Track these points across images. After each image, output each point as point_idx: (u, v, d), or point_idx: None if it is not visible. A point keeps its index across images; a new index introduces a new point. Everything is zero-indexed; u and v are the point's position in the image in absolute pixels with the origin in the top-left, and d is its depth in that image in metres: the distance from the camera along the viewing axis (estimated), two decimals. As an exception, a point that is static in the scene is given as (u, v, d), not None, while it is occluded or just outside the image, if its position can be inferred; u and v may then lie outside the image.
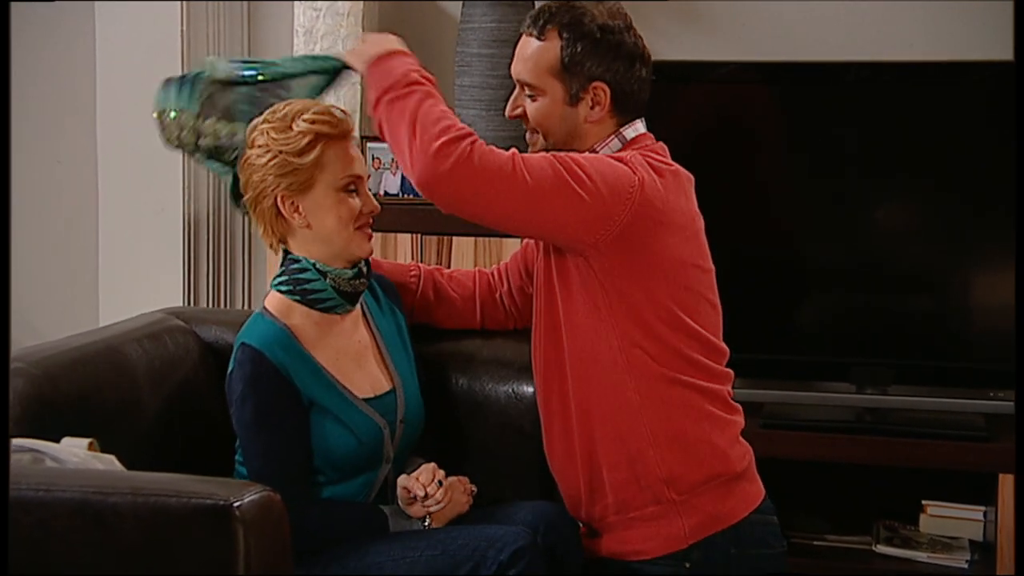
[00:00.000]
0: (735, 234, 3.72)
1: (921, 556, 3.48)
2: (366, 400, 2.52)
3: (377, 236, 3.74)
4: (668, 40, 3.89)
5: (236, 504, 1.85)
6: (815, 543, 3.59)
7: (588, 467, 2.53)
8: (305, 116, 2.47)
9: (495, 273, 2.83)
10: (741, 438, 2.59)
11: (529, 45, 2.53)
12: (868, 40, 3.78)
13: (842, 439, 3.51)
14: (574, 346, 2.49)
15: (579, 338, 2.48)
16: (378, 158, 3.77)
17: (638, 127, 2.57)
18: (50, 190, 4.18)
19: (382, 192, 3.80)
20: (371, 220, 2.54)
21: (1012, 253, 3.44)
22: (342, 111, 2.53)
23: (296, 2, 3.89)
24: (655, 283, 2.45)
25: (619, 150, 2.53)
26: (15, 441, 2.15)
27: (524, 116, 2.56)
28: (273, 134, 2.47)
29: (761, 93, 3.70)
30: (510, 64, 2.59)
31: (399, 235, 3.71)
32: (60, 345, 2.60)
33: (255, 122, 2.52)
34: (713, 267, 2.60)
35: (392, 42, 2.56)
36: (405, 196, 3.77)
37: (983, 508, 3.52)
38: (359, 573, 2.37)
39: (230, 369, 2.48)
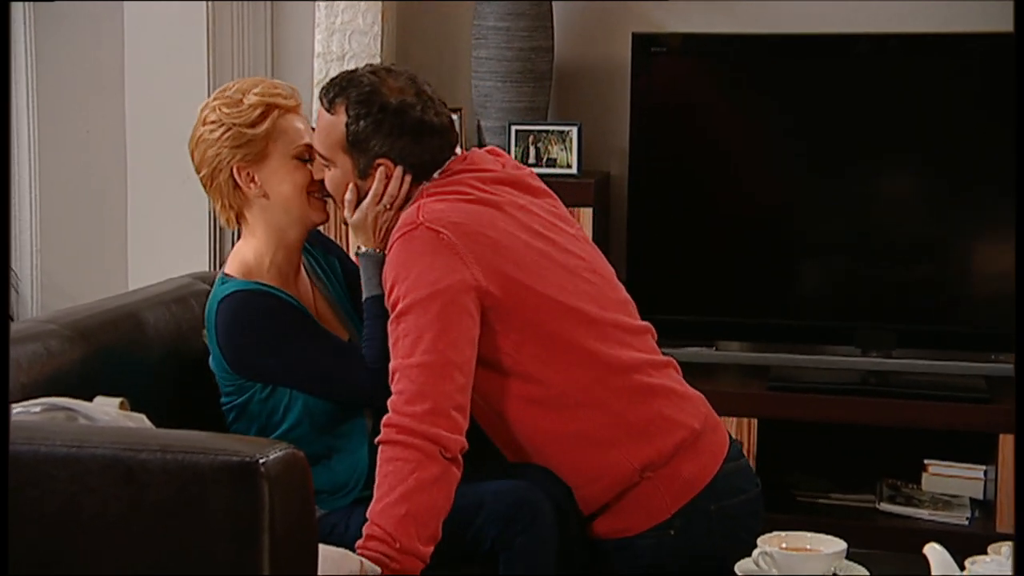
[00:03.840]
0: (743, 203, 3.79)
1: (923, 514, 3.54)
2: None
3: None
4: (673, 13, 3.91)
5: (261, 461, 1.87)
6: (820, 501, 3.65)
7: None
8: (255, 90, 2.52)
9: None
10: (684, 389, 2.53)
11: (322, 116, 2.50)
12: (871, 12, 3.80)
13: (847, 401, 3.56)
14: (489, 395, 2.45)
15: (491, 394, 2.44)
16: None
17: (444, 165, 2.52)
18: (80, 160, 4.23)
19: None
20: (324, 189, 2.56)
21: (1012, 221, 3.50)
22: (291, 87, 2.57)
23: (317, 2, 3.93)
24: (535, 299, 2.41)
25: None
26: (50, 400, 2.18)
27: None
28: (224, 109, 2.51)
29: (768, 65, 3.73)
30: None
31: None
32: (91, 308, 2.64)
33: (204, 103, 2.56)
34: (566, 231, 2.55)
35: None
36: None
37: (983, 467, 3.57)
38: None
39: (220, 329, 2.49)
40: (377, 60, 3.86)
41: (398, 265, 2.38)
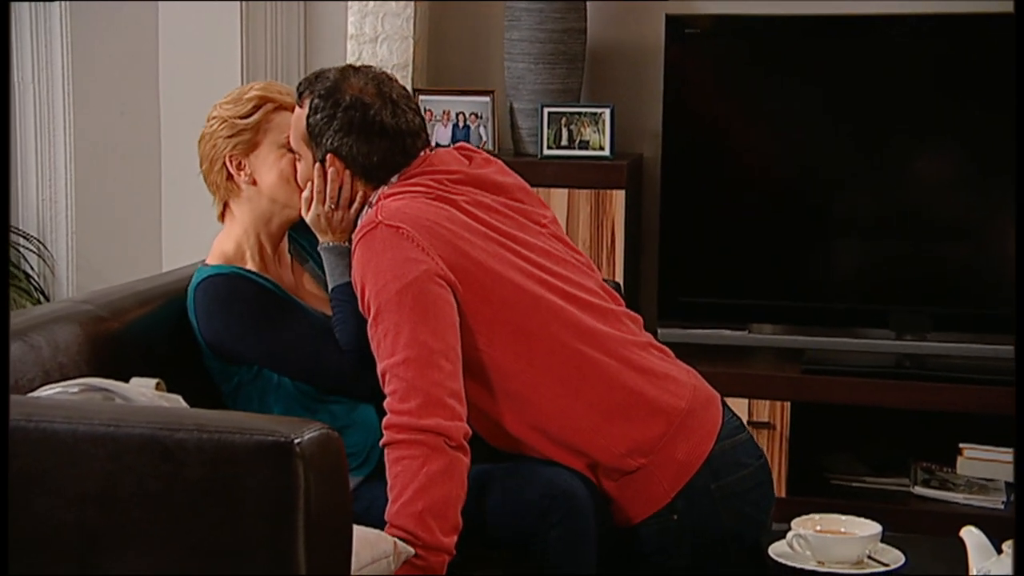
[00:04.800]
0: (777, 185, 3.78)
1: (958, 497, 3.53)
2: None
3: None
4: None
5: (297, 441, 1.87)
6: (854, 485, 3.65)
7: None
8: (255, 87, 2.62)
9: None
10: (666, 368, 2.50)
11: (296, 111, 2.56)
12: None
13: (881, 384, 3.56)
14: (470, 393, 2.41)
15: (472, 392, 2.41)
16: (429, 110, 3.83)
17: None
18: (115, 142, 4.26)
19: (432, 143, 3.84)
20: None
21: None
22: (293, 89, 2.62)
23: (349, 2, 3.93)
24: (500, 290, 2.41)
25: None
26: (87, 380, 2.20)
27: None
28: (225, 107, 2.60)
29: (801, 46, 3.72)
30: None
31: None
32: (126, 289, 2.67)
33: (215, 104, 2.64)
34: (530, 227, 2.53)
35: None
36: (456, 146, 3.82)
37: (1019, 451, 3.58)
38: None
39: (199, 315, 2.52)
40: (410, 41, 3.86)
41: (363, 266, 2.40)
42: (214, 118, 2.62)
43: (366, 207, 2.52)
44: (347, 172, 2.50)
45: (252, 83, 2.69)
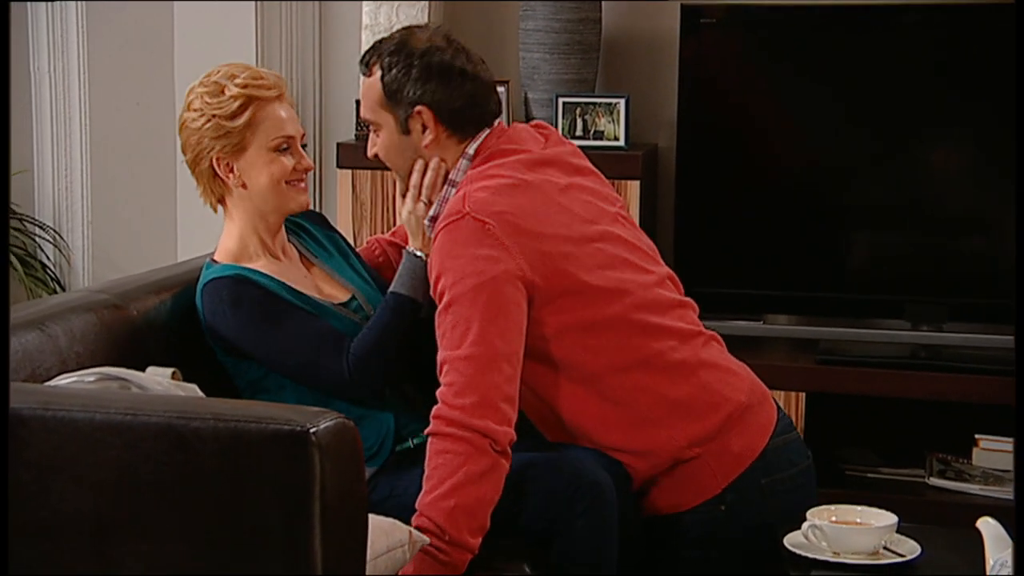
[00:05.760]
0: (792, 175, 3.77)
1: (974, 488, 3.51)
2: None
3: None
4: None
5: (312, 430, 1.89)
6: (869, 475, 3.63)
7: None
8: (237, 80, 2.53)
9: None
10: (728, 362, 2.54)
11: (363, 84, 2.54)
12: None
13: (897, 375, 3.54)
14: (532, 382, 2.45)
15: (534, 381, 2.45)
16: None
17: (480, 137, 2.52)
18: (131, 132, 4.26)
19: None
20: (304, 176, 2.60)
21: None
22: (275, 75, 2.59)
23: (364, 2, 3.93)
24: (577, 286, 2.41)
25: (468, 168, 2.50)
26: (104, 369, 2.21)
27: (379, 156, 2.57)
28: (207, 98, 2.53)
29: (817, 37, 3.70)
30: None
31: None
32: (142, 278, 2.69)
33: (191, 85, 2.59)
34: (606, 211, 2.55)
35: None
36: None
37: (1035, 442, 3.56)
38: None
39: (206, 315, 2.52)
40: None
41: (444, 255, 2.38)
42: (196, 110, 2.55)
43: (446, 187, 2.51)
44: (436, 130, 2.47)
45: (229, 68, 2.59)
